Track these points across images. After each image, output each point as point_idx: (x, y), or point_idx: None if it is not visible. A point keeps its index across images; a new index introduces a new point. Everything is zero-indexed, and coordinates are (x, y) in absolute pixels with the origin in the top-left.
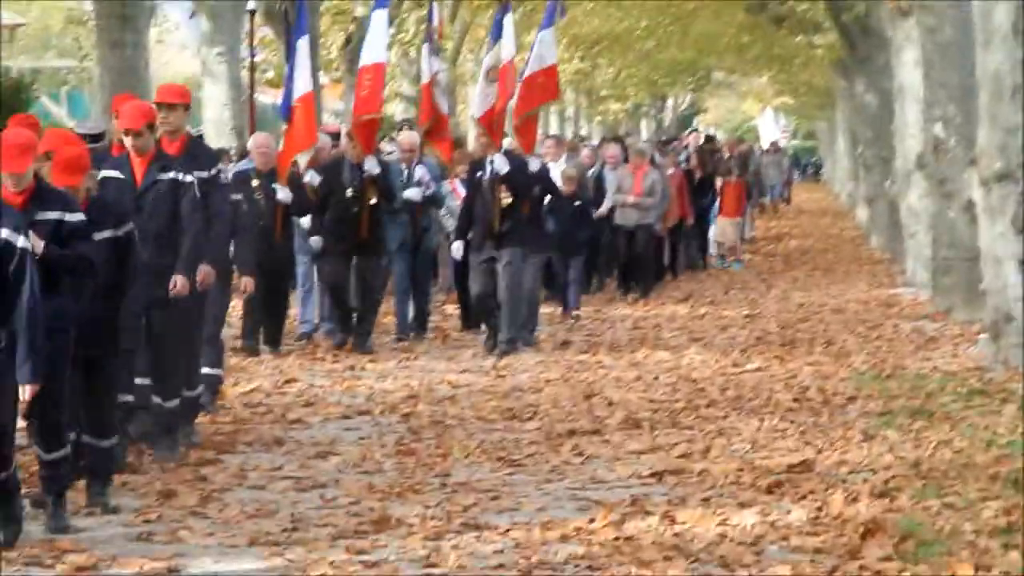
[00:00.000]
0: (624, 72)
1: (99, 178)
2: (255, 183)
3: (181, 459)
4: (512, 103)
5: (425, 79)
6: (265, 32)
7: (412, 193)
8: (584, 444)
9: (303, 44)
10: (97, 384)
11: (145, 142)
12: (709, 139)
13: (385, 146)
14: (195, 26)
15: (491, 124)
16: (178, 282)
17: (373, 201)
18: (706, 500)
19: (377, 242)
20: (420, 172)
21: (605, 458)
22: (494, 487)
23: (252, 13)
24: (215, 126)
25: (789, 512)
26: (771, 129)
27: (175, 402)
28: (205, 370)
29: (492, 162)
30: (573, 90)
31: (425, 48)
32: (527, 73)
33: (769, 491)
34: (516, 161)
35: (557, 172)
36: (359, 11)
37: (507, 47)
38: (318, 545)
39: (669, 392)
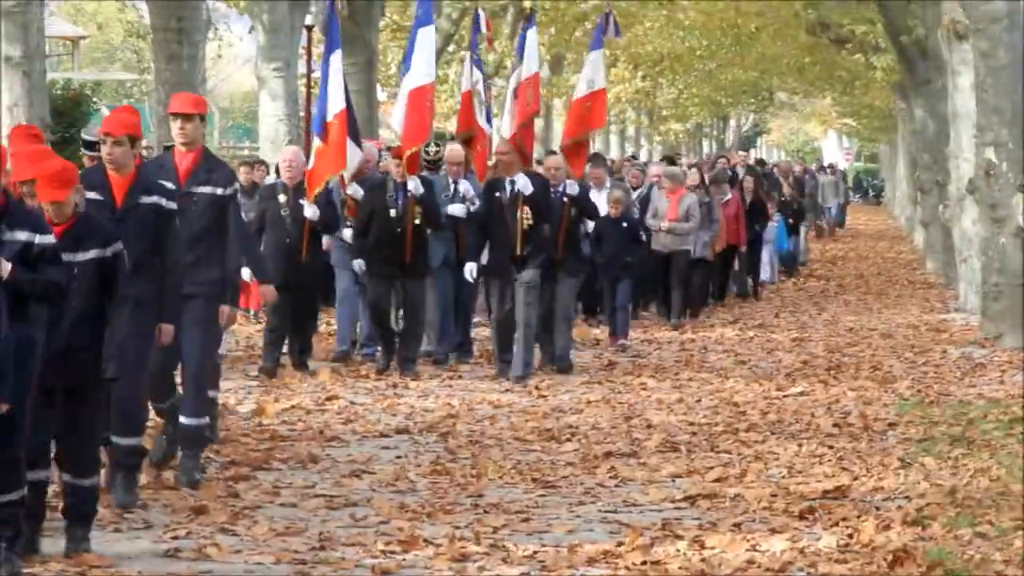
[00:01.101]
0: (686, 92)
1: None
2: (282, 198)
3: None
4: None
5: (466, 87)
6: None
7: (456, 209)
8: (620, 466)
9: (336, 59)
10: (78, 418)
11: (124, 154)
12: (760, 162)
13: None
14: (254, 40)
15: (516, 142)
16: (163, 332)
17: (417, 222)
18: (737, 525)
19: (422, 265)
20: (465, 187)
21: (640, 481)
22: (526, 508)
23: (310, 28)
24: (271, 141)
25: (819, 538)
26: (834, 151)
27: (135, 440)
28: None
29: (513, 182)
30: (634, 109)
31: (468, 57)
32: (576, 96)
33: (801, 517)
34: (540, 182)
35: (602, 198)
36: None
37: (529, 62)
38: (344, 564)
39: (710, 415)
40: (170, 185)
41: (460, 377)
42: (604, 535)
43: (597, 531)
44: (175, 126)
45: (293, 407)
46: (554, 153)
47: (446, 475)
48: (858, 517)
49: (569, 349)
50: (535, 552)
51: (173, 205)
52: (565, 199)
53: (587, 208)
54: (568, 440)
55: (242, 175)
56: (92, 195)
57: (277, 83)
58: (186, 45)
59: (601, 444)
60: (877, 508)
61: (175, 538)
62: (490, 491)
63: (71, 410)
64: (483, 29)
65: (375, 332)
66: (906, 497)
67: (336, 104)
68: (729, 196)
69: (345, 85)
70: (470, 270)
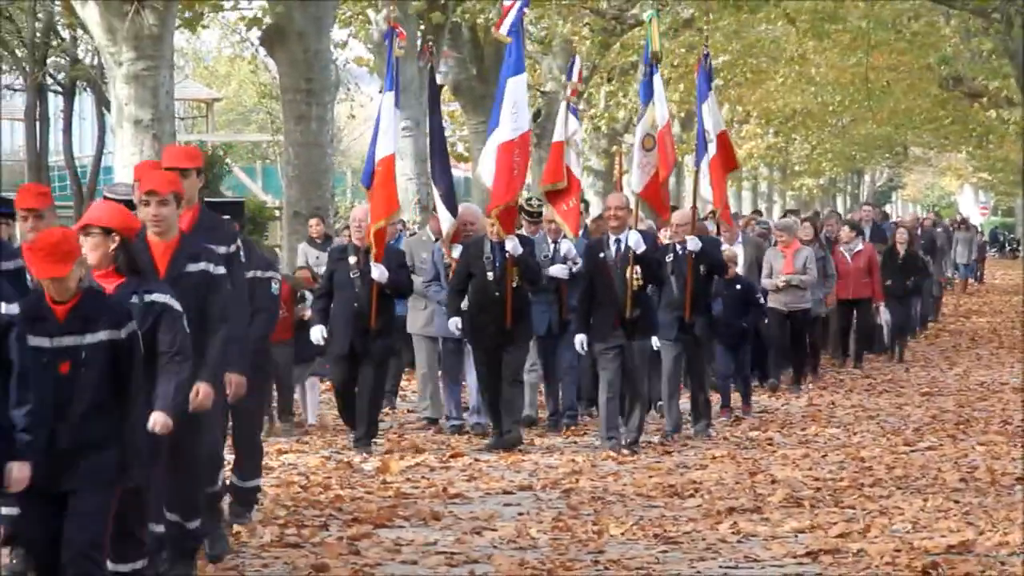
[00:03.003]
0: (819, 147)
1: None
2: (352, 260)
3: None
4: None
5: (559, 137)
6: (453, 107)
7: (558, 270)
8: (743, 522)
9: (388, 102)
10: (76, 523)
11: (171, 215)
12: (884, 215)
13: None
14: None
15: (656, 198)
16: (200, 391)
17: (516, 284)
18: None
19: (523, 330)
20: (566, 247)
21: (762, 536)
22: (646, 564)
23: (440, 87)
24: (400, 200)
25: None
26: (970, 205)
27: (197, 522)
28: (240, 482)
29: (619, 240)
30: (766, 165)
31: (562, 106)
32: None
33: (925, 572)
34: (652, 240)
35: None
36: (549, 86)
37: (660, 110)
38: None
39: (835, 470)
40: (222, 249)
41: (585, 434)
42: None
43: None
44: None
45: (417, 464)
46: (676, 208)
47: (567, 531)
48: (982, 572)
49: (706, 415)
50: None
51: (222, 270)
52: (690, 256)
53: (715, 263)
54: (691, 496)
55: (312, 227)
56: None
57: (406, 143)
58: (315, 106)
59: (724, 499)
60: (1002, 563)
61: None
62: (611, 547)
63: (74, 511)
64: (574, 78)
65: (485, 407)
66: None
67: (384, 149)
68: (861, 247)
69: (396, 128)
70: (580, 342)
